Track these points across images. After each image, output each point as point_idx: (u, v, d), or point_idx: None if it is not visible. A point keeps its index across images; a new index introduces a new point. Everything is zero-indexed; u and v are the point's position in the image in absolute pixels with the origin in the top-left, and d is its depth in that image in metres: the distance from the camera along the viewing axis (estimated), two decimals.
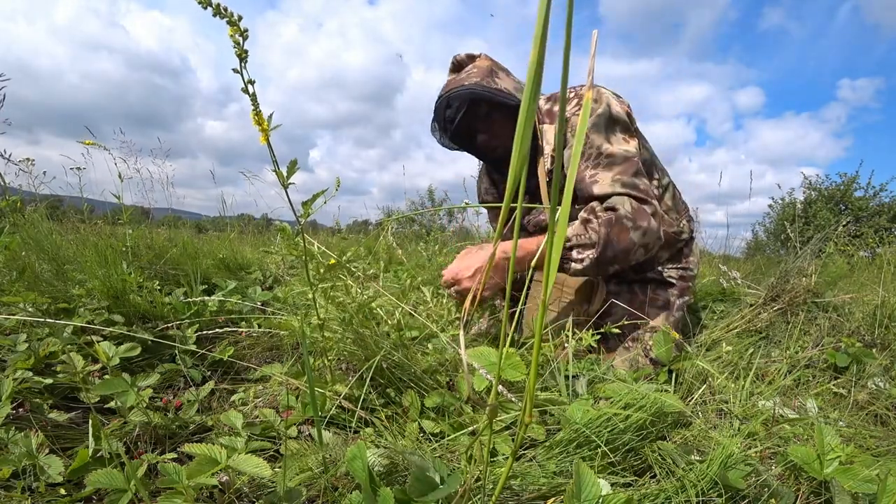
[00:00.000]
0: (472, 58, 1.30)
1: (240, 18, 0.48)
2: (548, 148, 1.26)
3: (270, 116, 0.55)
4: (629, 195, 1.16)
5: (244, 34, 0.49)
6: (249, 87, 0.52)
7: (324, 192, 0.67)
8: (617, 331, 1.10)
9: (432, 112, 1.32)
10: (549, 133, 1.27)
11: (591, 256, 1.13)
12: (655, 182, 1.35)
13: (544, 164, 1.27)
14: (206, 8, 0.46)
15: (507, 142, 1.31)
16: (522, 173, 0.29)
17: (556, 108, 1.27)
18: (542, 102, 1.34)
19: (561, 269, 1.17)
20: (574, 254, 1.15)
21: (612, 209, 1.15)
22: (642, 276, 1.36)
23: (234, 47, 0.49)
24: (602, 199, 1.18)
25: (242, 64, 0.50)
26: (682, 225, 1.38)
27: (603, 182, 1.18)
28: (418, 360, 0.97)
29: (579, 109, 1.24)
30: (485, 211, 2.86)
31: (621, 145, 1.20)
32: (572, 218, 1.25)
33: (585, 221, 1.15)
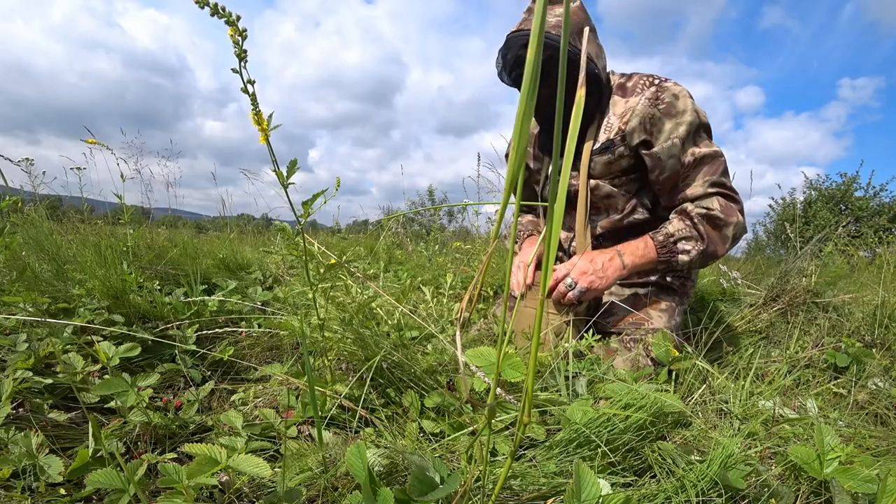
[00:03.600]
0: None
1: (238, 18, 0.48)
2: (615, 120, 1.26)
3: (270, 116, 0.55)
4: (718, 194, 1.24)
5: (243, 34, 0.49)
6: (249, 87, 0.52)
7: (324, 192, 0.67)
8: (616, 344, 1.11)
9: (503, 43, 1.26)
10: (618, 106, 1.27)
11: (698, 248, 1.21)
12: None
13: (595, 136, 1.28)
14: (203, 7, 0.46)
15: (565, 103, 1.26)
16: (521, 173, 0.29)
17: (629, 83, 1.28)
18: (614, 78, 1.34)
19: (667, 264, 1.24)
20: (681, 245, 1.22)
21: (705, 208, 1.22)
22: (645, 279, 1.37)
23: (234, 47, 0.49)
24: (694, 199, 1.25)
25: (242, 64, 0.50)
26: None
27: (695, 183, 1.25)
28: (418, 360, 0.97)
29: (657, 101, 1.24)
30: (484, 209, 2.83)
31: (712, 147, 1.25)
32: (661, 218, 1.33)
33: (683, 215, 1.24)
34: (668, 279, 1.39)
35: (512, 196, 0.31)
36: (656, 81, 1.25)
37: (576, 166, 1.34)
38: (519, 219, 1.72)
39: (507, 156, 1.74)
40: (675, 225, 1.23)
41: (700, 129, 1.24)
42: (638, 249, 1.22)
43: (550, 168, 1.42)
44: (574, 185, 1.35)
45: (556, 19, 1.20)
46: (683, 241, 1.21)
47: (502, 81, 1.35)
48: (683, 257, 1.21)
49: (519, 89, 1.17)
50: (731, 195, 1.25)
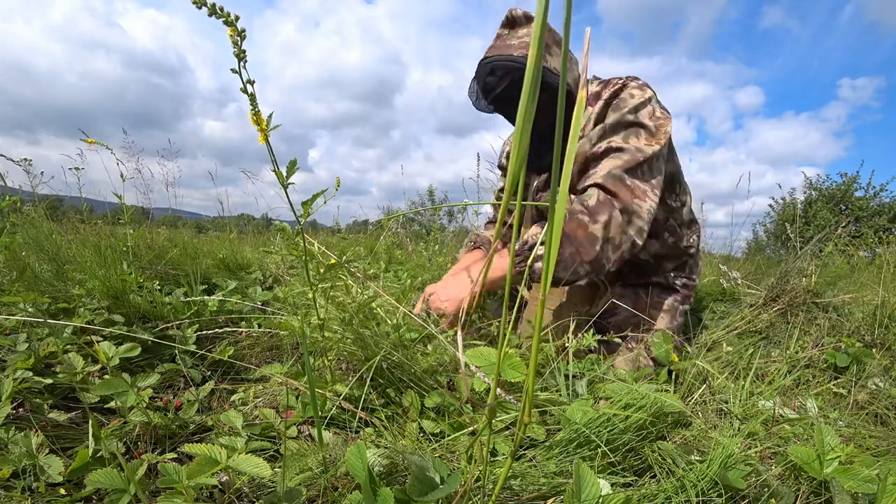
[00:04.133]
0: (528, 18, 1.20)
1: (237, 18, 0.48)
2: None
3: (270, 116, 0.55)
4: (602, 187, 1.13)
5: (242, 34, 0.49)
6: (248, 87, 0.52)
7: (323, 192, 0.67)
8: (619, 340, 1.10)
9: (474, 73, 1.26)
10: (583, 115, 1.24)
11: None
12: (674, 196, 1.36)
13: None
14: (200, 7, 0.46)
15: (544, 121, 1.26)
16: (521, 173, 0.29)
17: (604, 91, 1.24)
18: (592, 86, 1.31)
19: (526, 274, 1.13)
20: (538, 251, 1.10)
21: (571, 202, 1.13)
22: (647, 280, 1.38)
23: (233, 47, 0.49)
24: (580, 191, 1.18)
25: (241, 64, 0.50)
26: (691, 240, 1.43)
27: (597, 173, 1.16)
28: (418, 360, 0.97)
29: (613, 98, 1.21)
30: (485, 210, 2.84)
31: (637, 143, 1.17)
32: None
33: (543, 222, 1.15)
34: (671, 280, 1.40)
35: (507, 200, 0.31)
36: (621, 82, 1.23)
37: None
38: (480, 230, 1.69)
39: (499, 166, 1.70)
40: (532, 230, 1.15)
41: (633, 126, 1.18)
42: (505, 266, 1.13)
43: (536, 182, 1.42)
44: None
45: (518, 41, 1.17)
46: (541, 246, 1.08)
47: (479, 110, 1.32)
48: (539, 264, 1.08)
49: (499, 112, 1.16)
50: (612, 191, 1.12)
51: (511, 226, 1.46)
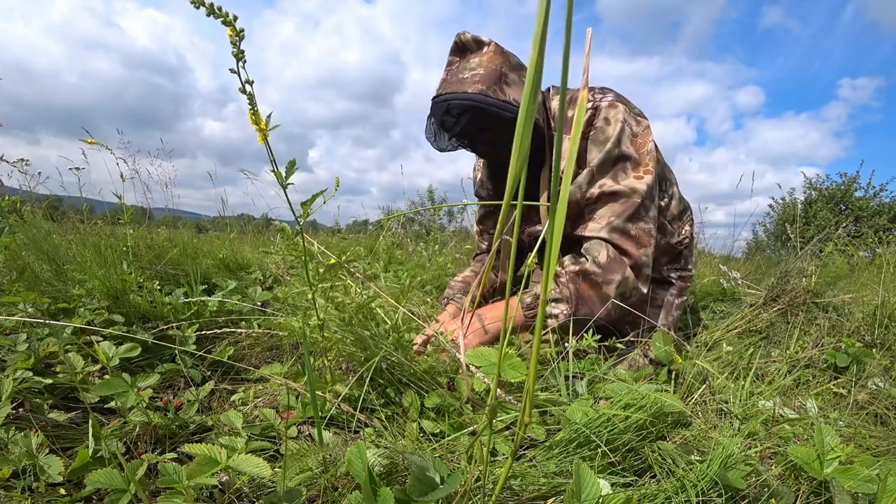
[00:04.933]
0: (479, 44, 1.15)
1: (235, 18, 0.48)
2: (562, 163, 1.20)
3: (269, 117, 0.55)
4: (611, 242, 1.14)
5: (240, 34, 0.49)
6: (247, 87, 0.52)
7: (323, 193, 0.67)
8: (621, 346, 1.09)
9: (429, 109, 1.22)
10: (564, 144, 1.18)
11: (564, 312, 1.11)
12: (661, 193, 1.32)
13: (549, 178, 1.23)
14: (198, 8, 0.46)
15: (509, 154, 1.23)
16: (522, 174, 0.29)
17: (571, 113, 1.22)
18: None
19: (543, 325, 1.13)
20: (549, 308, 1.12)
21: (582, 261, 1.13)
22: None
23: (232, 48, 0.49)
24: (584, 240, 1.17)
25: (240, 64, 0.50)
26: (683, 232, 1.40)
27: (597, 221, 1.16)
28: (418, 360, 0.97)
29: (589, 128, 1.17)
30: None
31: (628, 181, 1.15)
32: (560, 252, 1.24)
33: (555, 276, 1.13)
34: (665, 273, 1.39)
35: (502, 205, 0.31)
36: (590, 104, 1.19)
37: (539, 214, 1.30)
38: (453, 279, 1.58)
39: (476, 194, 1.61)
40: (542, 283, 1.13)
41: (619, 160, 1.15)
42: (502, 313, 1.12)
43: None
44: (539, 230, 1.30)
45: (471, 73, 1.11)
46: (553, 304, 1.12)
47: (440, 150, 1.26)
48: (551, 321, 1.11)
49: (463, 147, 1.13)
50: (622, 247, 1.14)
51: (516, 225, 1.43)
